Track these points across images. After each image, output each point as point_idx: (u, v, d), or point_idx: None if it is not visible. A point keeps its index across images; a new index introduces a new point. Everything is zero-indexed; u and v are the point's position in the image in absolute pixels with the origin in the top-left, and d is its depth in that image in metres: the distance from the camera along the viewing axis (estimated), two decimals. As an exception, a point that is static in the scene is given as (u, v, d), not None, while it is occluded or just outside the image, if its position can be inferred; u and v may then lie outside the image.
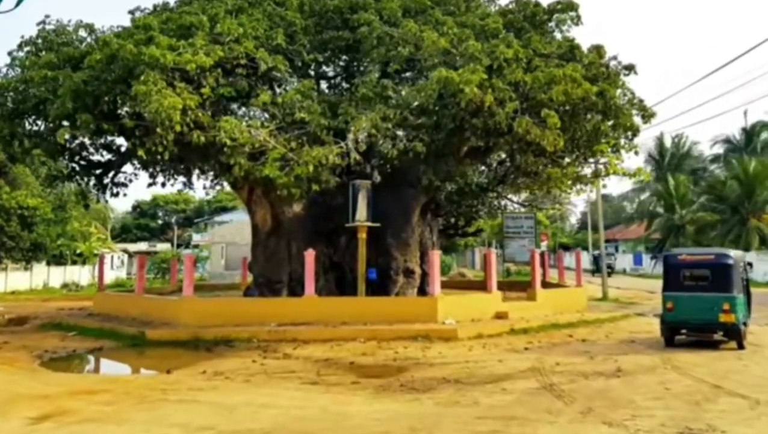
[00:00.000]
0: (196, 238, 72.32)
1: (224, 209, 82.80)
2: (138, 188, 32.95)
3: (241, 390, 9.85)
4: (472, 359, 12.29)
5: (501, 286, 23.24)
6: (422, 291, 20.64)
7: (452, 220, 26.95)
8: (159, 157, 15.39)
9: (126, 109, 14.70)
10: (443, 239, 26.01)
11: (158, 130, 14.16)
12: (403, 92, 15.25)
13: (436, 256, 17.36)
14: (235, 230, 62.73)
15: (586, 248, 47.95)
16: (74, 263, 43.05)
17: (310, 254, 17.14)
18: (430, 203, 21.74)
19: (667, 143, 61.53)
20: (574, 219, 78.84)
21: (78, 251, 42.75)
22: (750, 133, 59.26)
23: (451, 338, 14.91)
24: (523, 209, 25.62)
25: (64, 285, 39.46)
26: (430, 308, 16.39)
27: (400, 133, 15.61)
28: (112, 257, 48.41)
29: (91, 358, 14.16)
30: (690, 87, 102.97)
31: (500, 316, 17.25)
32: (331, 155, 14.25)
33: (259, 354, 13.24)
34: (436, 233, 23.83)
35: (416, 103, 15.70)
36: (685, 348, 13.44)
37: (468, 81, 14.11)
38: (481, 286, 25.10)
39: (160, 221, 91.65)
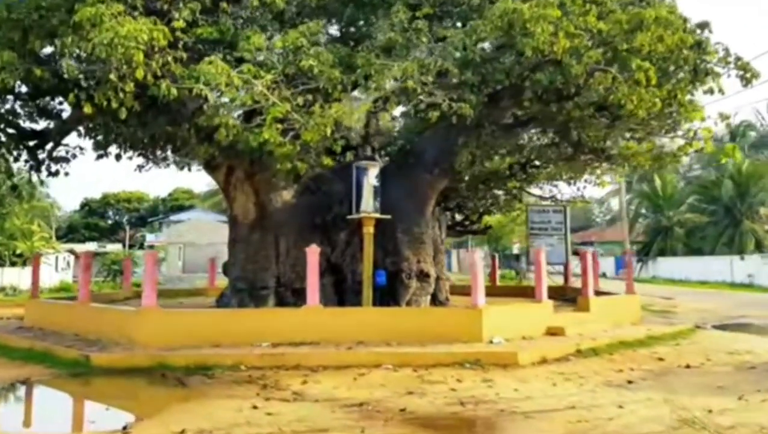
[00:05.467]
0: (150, 238, 67.30)
1: (181, 208, 78.21)
2: (87, 185, 28.53)
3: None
4: (574, 402, 8.49)
5: (506, 293, 19.73)
6: (434, 299, 16.97)
7: (456, 215, 23.23)
8: (112, 117, 11.32)
9: (67, 48, 10.52)
10: (452, 236, 22.25)
11: (112, 76, 10.14)
12: (448, 34, 11.37)
13: (477, 256, 13.51)
14: (194, 229, 58.32)
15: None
16: (13, 264, 38.12)
17: (313, 252, 13.23)
18: (443, 193, 18.01)
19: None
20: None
21: (18, 252, 37.90)
22: (734, 133, 57.53)
23: (509, 364, 11.13)
24: (544, 202, 21.88)
25: (1, 289, 34.73)
26: (472, 323, 12.49)
27: (437, 92, 11.75)
28: (57, 258, 43.95)
29: (11, 397, 9.95)
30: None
31: (554, 332, 13.56)
32: (356, 113, 10.37)
33: (257, 392, 9.25)
34: (444, 229, 20.10)
35: (458, 54, 11.92)
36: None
37: (541, 17, 10.45)
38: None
39: (110, 221, 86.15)
